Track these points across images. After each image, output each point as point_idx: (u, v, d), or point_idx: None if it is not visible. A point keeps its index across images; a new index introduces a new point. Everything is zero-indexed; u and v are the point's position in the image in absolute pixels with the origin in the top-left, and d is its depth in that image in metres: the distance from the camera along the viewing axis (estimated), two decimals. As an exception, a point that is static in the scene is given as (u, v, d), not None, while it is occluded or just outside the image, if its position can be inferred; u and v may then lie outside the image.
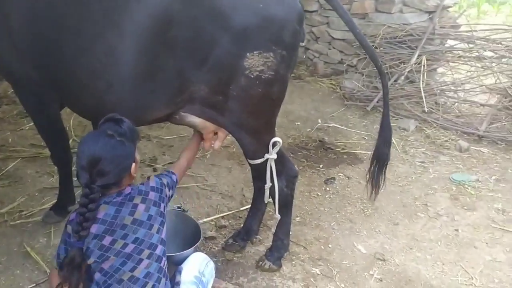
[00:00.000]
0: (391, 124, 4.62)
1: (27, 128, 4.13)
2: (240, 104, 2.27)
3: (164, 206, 1.98)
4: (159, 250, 1.89)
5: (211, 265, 2.23)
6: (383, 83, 2.55)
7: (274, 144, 2.44)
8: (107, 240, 1.78)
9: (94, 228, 1.78)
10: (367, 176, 2.75)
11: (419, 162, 4.10)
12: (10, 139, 3.98)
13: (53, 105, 2.64)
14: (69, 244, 1.83)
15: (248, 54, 2.13)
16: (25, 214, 3.05)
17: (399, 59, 5.29)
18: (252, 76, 2.18)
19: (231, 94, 2.22)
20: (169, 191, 2.06)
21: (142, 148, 3.98)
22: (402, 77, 5.18)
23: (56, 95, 2.51)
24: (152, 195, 1.92)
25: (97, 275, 1.81)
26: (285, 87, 2.39)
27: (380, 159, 2.70)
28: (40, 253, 2.71)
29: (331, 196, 3.54)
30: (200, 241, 2.39)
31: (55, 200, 3.03)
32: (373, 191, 2.74)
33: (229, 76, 2.18)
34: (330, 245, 3.00)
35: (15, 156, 3.71)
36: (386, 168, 2.73)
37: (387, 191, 3.61)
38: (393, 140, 4.36)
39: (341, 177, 3.80)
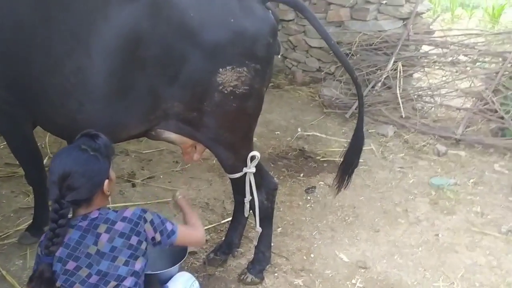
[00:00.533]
0: (370, 131, 4.76)
1: (1, 146, 4.03)
2: (216, 120, 2.25)
3: (140, 241, 1.82)
4: (129, 282, 1.79)
5: (196, 284, 2.18)
6: (358, 95, 2.57)
7: (252, 158, 2.43)
8: (71, 265, 1.73)
9: (59, 251, 1.74)
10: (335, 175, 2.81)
11: (398, 167, 4.14)
12: (-17, 159, 3.88)
13: (26, 124, 2.59)
14: (38, 261, 1.79)
15: (220, 69, 2.12)
16: (0, 236, 2.97)
17: (376, 66, 5.35)
18: (226, 92, 2.16)
19: (206, 110, 2.21)
20: (153, 232, 1.88)
21: (120, 163, 3.93)
22: (379, 84, 5.24)
23: (28, 114, 2.46)
24: (121, 225, 1.80)
25: None
26: (261, 101, 2.39)
27: (347, 164, 2.73)
28: (16, 276, 2.65)
29: (312, 205, 3.54)
30: (185, 258, 2.34)
31: (31, 221, 2.96)
32: (337, 190, 2.80)
33: (203, 92, 2.16)
34: (312, 255, 2.99)
35: (-11, 176, 3.62)
36: (352, 171, 2.77)
37: (367, 197, 3.65)
38: (372, 146, 4.44)
39: (321, 185, 3.81)
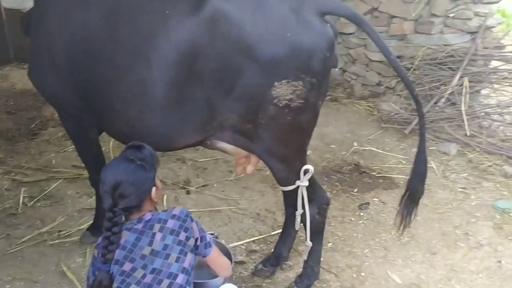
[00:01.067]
0: (431, 148, 4.57)
1: (70, 150, 4.29)
2: (270, 132, 2.26)
3: (188, 237, 1.94)
4: (180, 279, 1.88)
5: None
6: (419, 113, 2.48)
7: (306, 171, 2.41)
8: (127, 266, 1.82)
9: (116, 254, 1.83)
10: (398, 208, 2.63)
11: (460, 188, 3.94)
12: (53, 160, 4.16)
13: (91, 129, 2.77)
14: (96, 267, 1.88)
15: (276, 83, 2.12)
16: (64, 234, 3.16)
17: (439, 81, 5.15)
18: (280, 105, 2.17)
19: (260, 123, 2.22)
20: (198, 233, 2.00)
21: (176, 170, 4.06)
22: (443, 100, 5.02)
23: (94, 120, 2.63)
24: (171, 223, 1.92)
25: None
26: (316, 115, 2.36)
27: (412, 195, 2.58)
28: (75, 273, 2.79)
29: (365, 222, 3.45)
30: (231, 268, 2.35)
31: (92, 221, 3.13)
32: (402, 225, 2.61)
33: (257, 105, 2.18)
34: (362, 274, 2.91)
35: (57, 177, 3.87)
36: (417, 204, 2.60)
37: (424, 218, 3.50)
38: (433, 165, 4.26)
39: (376, 202, 3.70)
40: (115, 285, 1.82)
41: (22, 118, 5.03)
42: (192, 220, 2.00)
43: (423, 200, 3.65)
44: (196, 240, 1.99)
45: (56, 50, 2.43)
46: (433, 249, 3.15)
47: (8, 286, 2.67)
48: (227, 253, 2.47)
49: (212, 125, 2.29)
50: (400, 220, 2.60)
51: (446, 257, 3.07)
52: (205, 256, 2.07)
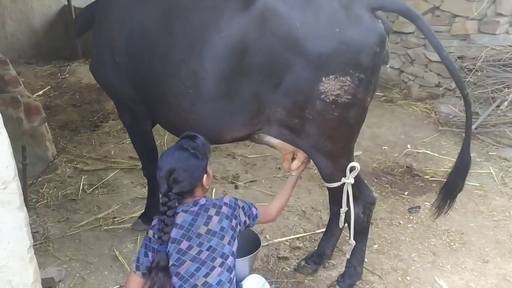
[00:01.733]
0: (490, 153, 4.37)
1: (128, 142, 4.52)
2: (317, 128, 2.27)
3: (237, 224, 2.06)
4: (230, 261, 1.99)
5: (267, 286, 2.27)
6: (467, 113, 2.40)
7: (352, 169, 2.40)
8: (184, 245, 1.92)
9: (173, 233, 1.94)
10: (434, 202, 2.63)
11: (520, 195, 3.73)
12: (112, 151, 4.40)
13: (145, 121, 2.91)
14: (150, 248, 1.99)
15: (323, 78, 2.12)
16: (118, 220, 3.34)
17: (503, 83, 4.88)
18: (328, 101, 2.16)
19: (307, 118, 2.24)
20: (245, 216, 2.13)
21: (226, 165, 4.15)
22: (506, 103, 4.77)
23: (148, 112, 2.76)
24: (225, 209, 2.03)
25: (174, 279, 1.93)
26: (364, 112, 2.33)
27: (449, 189, 2.54)
28: (126, 258, 2.95)
29: (414, 226, 3.36)
30: (259, 249, 2.41)
31: (144, 210, 3.28)
32: (435, 216, 2.61)
33: (305, 100, 2.19)
34: (408, 278, 2.84)
35: (115, 167, 4.09)
36: (455, 196, 2.56)
37: (479, 225, 3.36)
38: (491, 170, 4.08)
39: (427, 206, 3.59)
40: (170, 262, 1.92)
41: (86, 111, 5.37)
42: (239, 207, 2.11)
43: (479, 207, 3.56)
44: (245, 222, 2.14)
45: (115, 45, 2.58)
46: (485, 257, 3.01)
47: (65, 266, 2.86)
48: (254, 239, 2.54)
49: (259, 119, 2.34)
50: (436, 209, 2.59)
51: (498, 266, 2.93)
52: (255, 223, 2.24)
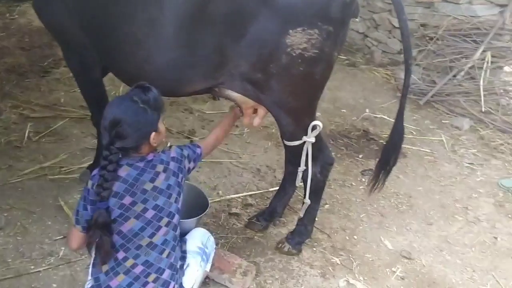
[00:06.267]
0: (444, 121, 4.48)
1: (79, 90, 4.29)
2: (281, 83, 2.19)
3: (182, 177, 2.00)
4: (176, 219, 1.94)
5: (212, 239, 2.27)
6: (405, 84, 2.40)
7: (314, 128, 2.35)
8: (127, 200, 1.82)
9: (116, 187, 1.82)
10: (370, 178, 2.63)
11: (467, 163, 3.86)
12: (62, 99, 4.18)
13: (95, 68, 2.72)
14: (88, 201, 1.87)
15: (290, 31, 2.03)
16: (65, 170, 3.20)
17: (462, 53, 4.96)
18: (294, 54, 2.07)
19: (272, 72, 2.15)
20: (189, 163, 2.07)
21: (183, 120, 4.05)
22: (462, 73, 4.86)
23: (99, 58, 2.58)
24: (172, 165, 1.95)
25: (115, 237, 1.83)
26: (330, 67, 2.25)
27: (382, 164, 2.55)
28: (72, 208, 2.82)
29: (366, 188, 3.39)
30: (205, 212, 2.36)
31: (93, 160, 3.16)
32: (371, 189, 2.61)
33: (270, 53, 2.10)
34: (355, 237, 2.91)
35: (64, 115, 3.90)
36: (388, 173, 2.57)
37: (426, 189, 3.47)
38: (443, 138, 4.19)
39: (379, 169, 3.65)
40: (112, 217, 1.81)
41: (36, 55, 5.04)
42: (184, 157, 2.04)
43: (428, 172, 3.66)
44: (189, 169, 2.09)
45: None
46: (429, 220, 3.12)
47: (5, 214, 2.73)
48: (202, 197, 2.47)
49: (222, 72, 2.23)
50: (372, 184, 2.60)
51: (441, 228, 3.05)
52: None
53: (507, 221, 3.16)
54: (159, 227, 1.87)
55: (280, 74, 2.15)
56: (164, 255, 1.90)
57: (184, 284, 1.99)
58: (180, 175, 1.98)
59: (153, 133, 1.89)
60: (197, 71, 2.24)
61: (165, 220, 1.88)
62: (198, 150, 2.16)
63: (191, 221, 2.28)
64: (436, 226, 3.07)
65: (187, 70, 2.24)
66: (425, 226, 3.06)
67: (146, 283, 1.85)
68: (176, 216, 1.94)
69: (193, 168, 2.14)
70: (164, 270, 1.89)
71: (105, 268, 1.86)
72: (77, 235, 1.89)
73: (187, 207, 2.43)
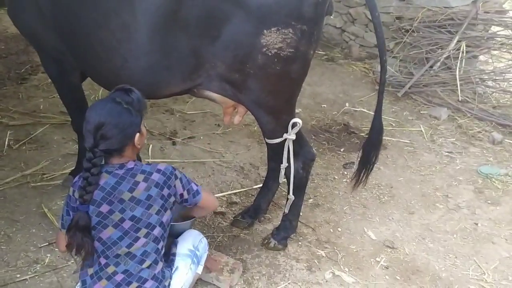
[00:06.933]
0: (422, 112, 4.56)
1: (59, 96, 4.25)
2: (258, 83, 2.21)
3: (170, 194, 1.93)
4: (157, 231, 1.90)
5: (204, 241, 2.26)
6: (381, 80, 2.46)
7: (294, 125, 2.38)
8: (104, 208, 1.82)
9: (94, 194, 1.82)
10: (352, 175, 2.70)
11: (446, 152, 3.95)
12: (41, 106, 4.14)
13: (73, 73, 2.71)
14: (70, 207, 1.89)
15: (265, 31, 2.05)
16: (47, 177, 3.18)
17: (437, 44, 5.05)
18: (270, 54, 2.10)
19: (249, 72, 2.17)
20: (182, 189, 1.99)
21: (164, 121, 4.05)
22: (438, 63, 4.95)
23: (76, 64, 2.57)
24: (156, 176, 1.90)
25: (96, 244, 1.85)
26: (306, 65, 2.28)
27: (364, 160, 2.61)
28: (56, 215, 2.82)
29: (348, 181, 3.47)
30: (195, 218, 2.35)
31: (75, 166, 3.14)
32: (354, 186, 2.68)
33: (245, 54, 2.12)
34: (339, 229, 2.96)
35: (44, 122, 3.86)
36: (369, 170, 2.63)
37: (406, 179, 3.53)
38: (422, 128, 4.27)
39: (361, 162, 3.71)
40: (92, 224, 1.82)
41: (12, 63, 4.98)
42: (176, 177, 1.97)
43: (408, 162, 3.73)
44: (181, 195, 2.00)
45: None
46: (411, 209, 3.19)
47: (-12, 224, 2.71)
48: None
49: (198, 73, 2.25)
50: (355, 181, 2.66)
51: (423, 217, 3.12)
52: (196, 204, 2.08)
53: (486, 207, 3.24)
54: (137, 238, 1.86)
55: (257, 74, 2.17)
56: (145, 265, 1.89)
57: (172, 287, 2.00)
58: (167, 190, 1.92)
59: (137, 135, 1.90)
60: (174, 74, 2.26)
61: (144, 231, 1.87)
62: (193, 185, 2.06)
63: (185, 224, 2.28)
64: (417, 215, 3.13)
65: (164, 73, 2.25)
66: (407, 216, 3.12)
67: None
68: (157, 229, 1.90)
69: (187, 201, 2.04)
70: (146, 279, 1.89)
71: (90, 271, 1.88)
72: (64, 238, 1.90)
73: (183, 206, 2.45)
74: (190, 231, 2.26)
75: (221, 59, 2.17)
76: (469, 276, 2.63)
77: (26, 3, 2.45)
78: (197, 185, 2.08)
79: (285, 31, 2.07)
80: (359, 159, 2.63)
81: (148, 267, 1.90)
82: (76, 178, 1.90)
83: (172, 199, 1.97)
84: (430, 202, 3.28)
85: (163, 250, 2.00)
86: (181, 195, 2.00)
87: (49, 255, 2.53)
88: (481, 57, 5.32)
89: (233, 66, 2.18)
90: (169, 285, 1.99)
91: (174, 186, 1.96)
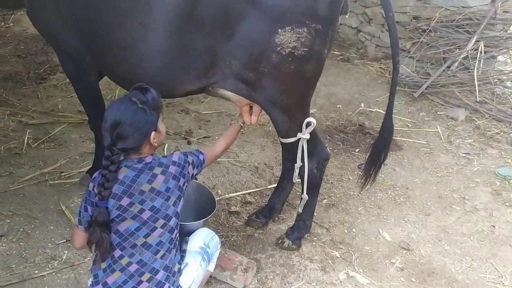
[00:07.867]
0: (439, 112, 4.51)
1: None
2: (273, 82, 2.22)
3: (184, 182, 2.01)
4: (172, 222, 1.95)
5: (216, 239, 2.27)
6: (392, 80, 2.45)
7: (308, 124, 2.38)
8: (125, 201, 1.86)
9: (114, 188, 1.86)
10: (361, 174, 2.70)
11: (463, 153, 3.90)
12: (60, 105, 4.20)
13: (91, 72, 2.76)
14: (89, 202, 1.92)
15: (279, 30, 2.06)
16: (65, 175, 3.23)
17: (455, 44, 4.98)
18: (284, 53, 2.11)
19: (263, 71, 2.18)
20: (193, 169, 2.07)
21: (179, 121, 4.08)
22: (456, 64, 4.89)
23: (94, 63, 2.61)
24: (173, 169, 1.96)
25: (113, 236, 1.88)
26: (320, 64, 2.28)
27: (373, 159, 2.60)
28: (73, 212, 2.87)
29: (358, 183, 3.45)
30: (211, 215, 2.37)
31: (92, 164, 3.18)
32: (362, 185, 2.68)
33: (260, 53, 2.13)
34: (354, 230, 2.94)
35: (62, 121, 3.93)
36: (378, 168, 2.63)
37: (423, 180, 3.49)
38: (438, 129, 4.22)
39: (376, 162, 3.68)
40: (110, 218, 1.85)
41: (31, 63, 5.07)
42: (189, 164, 2.04)
43: (424, 163, 3.69)
44: (192, 175, 2.08)
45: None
46: (427, 211, 3.16)
47: (8, 221, 2.76)
48: (210, 198, 2.49)
49: (213, 71, 2.26)
50: (363, 180, 2.65)
51: (439, 219, 3.08)
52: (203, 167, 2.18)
53: (504, 209, 3.19)
54: (155, 228, 1.90)
55: (271, 73, 2.18)
56: (159, 256, 1.93)
57: (181, 284, 2.01)
58: (182, 180, 1.99)
59: (153, 133, 1.93)
60: (190, 72, 2.27)
61: (161, 221, 1.91)
62: (201, 157, 2.16)
63: (197, 223, 2.30)
64: (434, 217, 3.10)
65: (179, 72, 2.27)
66: (423, 217, 3.09)
67: (140, 282, 1.89)
68: (173, 219, 1.95)
69: (197, 174, 2.14)
70: (158, 270, 1.92)
71: (103, 265, 1.91)
72: (79, 235, 1.94)
73: (197, 205, 2.49)
74: (201, 229, 2.28)
75: (236, 58, 2.18)
76: (486, 279, 2.60)
77: (45, 4, 2.50)
78: (203, 154, 2.17)
79: (300, 30, 2.08)
80: (367, 158, 2.62)
81: (161, 257, 1.93)
82: (96, 174, 1.93)
83: (186, 184, 2.04)
84: (446, 203, 3.24)
85: (177, 238, 2.03)
86: (192, 175, 2.09)
87: (66, 251, 2.57)
88: (500, 58, 5.23)
89: (247, 65, 2.19)
90: (178, 270, 2.02)
91: (188, 172, 2.03)
